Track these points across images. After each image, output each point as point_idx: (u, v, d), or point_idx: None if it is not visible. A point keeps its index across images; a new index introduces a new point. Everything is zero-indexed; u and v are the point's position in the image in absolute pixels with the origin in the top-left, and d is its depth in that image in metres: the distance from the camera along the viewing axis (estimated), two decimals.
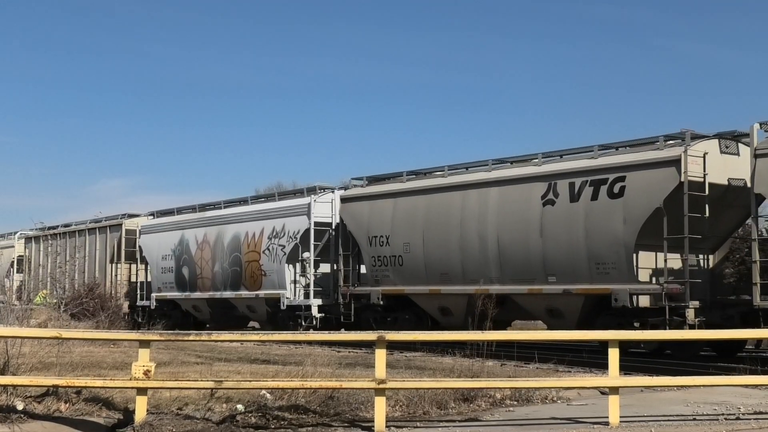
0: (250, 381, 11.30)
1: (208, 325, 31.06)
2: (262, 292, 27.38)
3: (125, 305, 33.47)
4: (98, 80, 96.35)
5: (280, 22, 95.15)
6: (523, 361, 16.96)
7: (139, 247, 33.70)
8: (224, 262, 28.99)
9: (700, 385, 12.71)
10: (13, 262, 42.11)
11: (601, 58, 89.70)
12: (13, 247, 42.52)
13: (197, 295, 30.36)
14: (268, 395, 11.32)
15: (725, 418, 10.74)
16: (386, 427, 10.20)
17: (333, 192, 26.44)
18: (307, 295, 26.23)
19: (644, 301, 18.40)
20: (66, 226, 38.89)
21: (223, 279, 29.02)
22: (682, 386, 13.05)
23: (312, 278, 26.05)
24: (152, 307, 32.36)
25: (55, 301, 29.56)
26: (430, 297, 22.51)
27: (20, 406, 10.63)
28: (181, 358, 17.53)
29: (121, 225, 34.62)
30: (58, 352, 13.28)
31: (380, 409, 10.22)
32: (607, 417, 10.36)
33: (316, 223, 25.97)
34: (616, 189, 18.69)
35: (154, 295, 32.46)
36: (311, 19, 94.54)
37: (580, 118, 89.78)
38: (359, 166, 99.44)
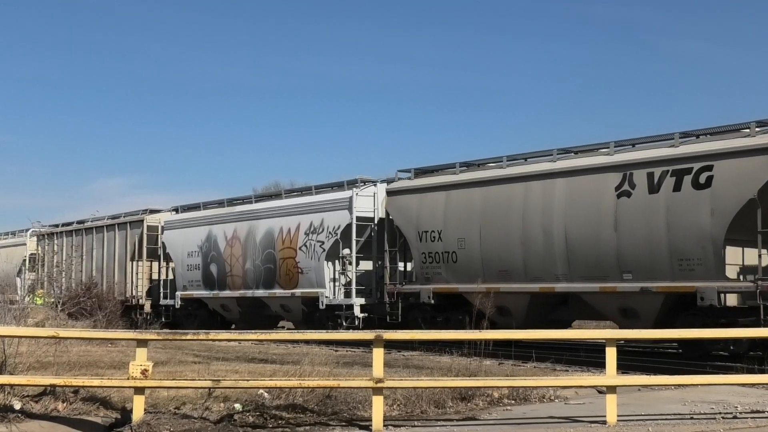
0: (247, 380, 11.32)
1: (234, 326, 29.76)
2: (298, 291, 25.98)
3: (147, 304, 32.45)
4: (97, 79, 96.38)
5: (278, 22, 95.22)
6: (521, 360, 16.98)
7: (162, 243, 32.21)
8: (256, 259, 27.55)
9: (697, 384, 12.73)
10: (24, 260, 40.59)
11: (601, 58, 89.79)
12: (24, 244, 41.02)
13: (226, 293, 28.92)
14: (265, 394, 11.33)
15: (722, 417, 10.75)
16: (384, 426, 10.21)
17: (375, 185, 25.00)
18: (348, 294, 24.83)
19: (731, 300, 17.39)
20: (80, 222, 37.39)
21: (255, 277, 27.57)
22: (679, 385, 13.07)
23: (354, 276, 24.63)
24: (177, 306, 30.95)
25: (52, 300, 29.48)
26: (487, 296, 20.27)
27: (17, 406, 10.62)
28: (179, 358, 17.52)
29: (142, 221, 33.01)
30: (55, 351, 13.26)
31: (378, 408, 10.23)
32: (605, 416, 10.38)
33: (358, 218, 24.57)
34: (702, 179, 17.34)
35: (179, 293, 30.97)
36: (310, 19, 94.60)
37: (579, 116, 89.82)
38: (358, 165, 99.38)
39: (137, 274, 32.96)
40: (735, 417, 10.79)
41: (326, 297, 25.04)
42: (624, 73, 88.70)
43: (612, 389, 10.53)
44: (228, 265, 28.73)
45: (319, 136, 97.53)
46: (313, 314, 25.52)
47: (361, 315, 24.34)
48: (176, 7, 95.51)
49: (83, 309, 25.46)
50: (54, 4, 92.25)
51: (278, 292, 26.76)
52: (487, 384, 11.86)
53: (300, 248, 25.91)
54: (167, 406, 10.95)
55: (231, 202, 30.44)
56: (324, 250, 25.16)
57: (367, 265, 24.98)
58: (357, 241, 24.67)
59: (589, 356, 17.57)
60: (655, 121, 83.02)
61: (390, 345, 17.29)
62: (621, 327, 18.79)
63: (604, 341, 10.82)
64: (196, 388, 11.26)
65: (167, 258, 32.17)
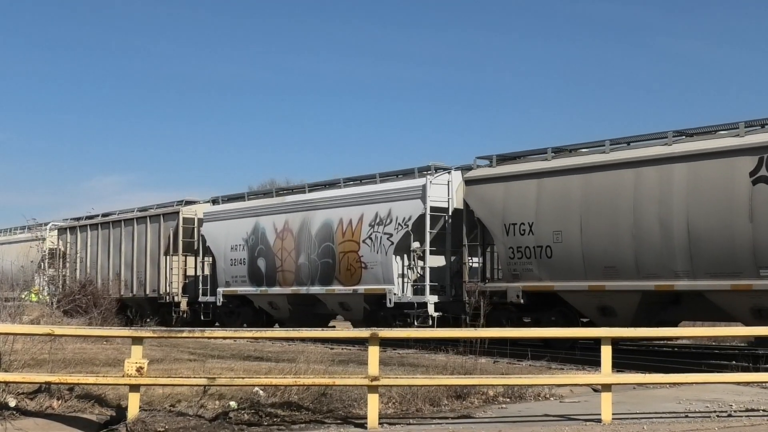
0: (243, 378, 11.31)
1: (276, 324, 27.84)
2: (361, 287, 23.93)
3: (183, 302, 30.69)
4: (93, 77, 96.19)
5: (275, 19, 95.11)
6: (516, 358, 16.97)
7: (202, 236, 30.02)
8: (312, 253, 25.49)
9: (692, 383, 12.77)
10: (44, 256, 37.46)
11: (598, 56, 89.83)
12: (44, 239, 38.33)
13: (276, 290, 26.83)
14: (261, 392, 11.33)
15: (717, 416, 10.77)
16: (379, 423, 10.21)
17: (449, 173, 22.93)
18: (418, 291, 22.77)
19: None
20: (106, 215, 35.27)
21: (311, 272, 25.52)
22: (674, 383, 13.09)
23: (428, 272, 22.47)
24: (218, 304, 28.96)
25: (47, 297, 29.38)
26: (589, 294, 19.14)
27: (12, 403, 10.62)
28: (174, 355, 17.50)
29: (177, 213, 30.92)
30: (50, 348, 13.24)
31: (373, 406, 10.24)
32: (600, 414, 10.40)
33: (432, 208, 22.49)
34: None
35: (220, 290, 28.80)
36: (306, 16, 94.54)
37: (576, 114, 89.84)
38: (355, 162, 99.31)
39: (172, 269, 31.08)
40: (730, 415, 10.81)
41: (394, 294, 22.99)
42: (620, 70, 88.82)
43: (607, 387, 10.55)
44: (278, 260, 26.75)
45: (314, 135, 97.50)
46: (377, 313, 23.65)
47: (435, 314, 22.26)
48: (173, 4, 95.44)
49: (78, 306, 25.44)
50: (51, 1, 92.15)
51: (337, 288, 24.78)
52: (483, 382, 11.87)
53: (363, 241, 23.94)
54: (162, 404, 10.94)
55: (280, 191, 28.82)
56: (392, 243, 23.14)
57: (437, 260, 22.97)
58: (430, 233, 22.60)
59: (584, 354, 17.57)
60: (650, 118, 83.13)
61: (385, 343, 17.31)
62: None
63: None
64: (192, 386, 11.26)
65: (207, 252, 30.15)
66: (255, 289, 27.71)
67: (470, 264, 21.96)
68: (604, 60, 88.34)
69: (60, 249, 37.22)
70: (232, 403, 11.01)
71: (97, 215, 36.11)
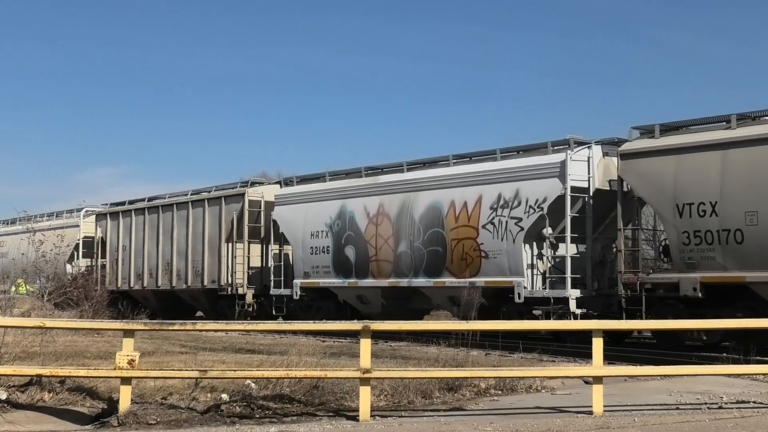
0: (234, 370, 11.32)
1: (356, 321, 25.61)
2: (480, 280, 20.77)
3: (249, 294, 27.89)
4: (87, 69, 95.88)
5: (271, 13, 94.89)
6: (508, 350, 17.00)
7: (273, 221, 26.92)
8: (415, 241, 22.59)
9: (683, 375, 12.80)
10: (78, 244, 35.48)
11: (595, 50, 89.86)
12: (77, 226, 36.04)
13: (368, 282, 23.89)
14: (252, 385, 11.33)
15: (708, 407, 10.82)
16: (371, 416, 10.22)
17: (590, 147, 20.08)
18: (554, 284, 20.04)
19: None
20: (152, 199, 32.40)
21: (414, 262, 22.61)
22: (665, 375, 13.13)
23: (569, 262, 19.60)
24: (295, 297, 25.84)
25: (35, 289, 29.19)
26: None
27: (3, 396, 10.59)
28: (166, 348, 17.48)
29: (242, 195, 27.93)
30: (41, 341, 13.21)
31: (365, 398, 10.25)
32: (591, 406, 10.42)
33: (572, 188, 19.66)
34: None
35: (297, 281, 25.75)
36: (304, 10, 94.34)
37: (575, 109, 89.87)
38: (351, 158, 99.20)
39: (235, 257, 28.01)
40: (720, 407, 10.86)
41: (524, 288, 20.17)
42: (617, 64, 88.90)
43: (598, 380, 10.58)
44: (372, 248, 23.78)
45: (306, 128, 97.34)
46: (497, 308, 20.72)
47: (578, 311, 19.43)
48: None
49: (69, 299, 25.32)
50: None
51: (448, 280, 21.81)
52: (474, 374, 11.89)
53: (483, 226, 21.02)
54: (154, 397, 10.93)
55: (370, 170, 25.32)
56: (522, 228, 20.25)
57: (572, 248, 20.15)
58: (571, 218, 19.78)
59: (575, 347, 17.61)
60: (648, 113, 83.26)
61: (377, 335, 17.33)
62: None
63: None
64: (183, 379, 11.25)
65: (278, 239, 27.13)
66: (342, 281, 24.79)
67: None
68: (600, 54, 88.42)
69: (99, 236, 34.38)
70: (224, 396, 11.01)
71: (143, 199, 33.21)
